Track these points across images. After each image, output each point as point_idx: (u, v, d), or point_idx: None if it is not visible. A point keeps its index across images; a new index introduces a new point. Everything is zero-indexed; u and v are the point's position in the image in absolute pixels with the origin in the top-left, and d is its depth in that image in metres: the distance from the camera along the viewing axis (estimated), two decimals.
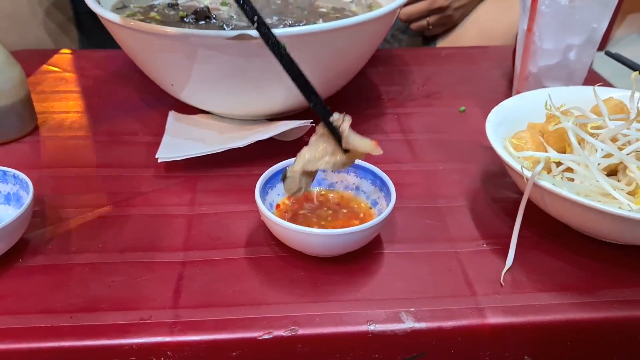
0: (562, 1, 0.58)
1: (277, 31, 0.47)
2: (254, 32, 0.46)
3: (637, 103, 0.46)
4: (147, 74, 0.58)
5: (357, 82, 0.62)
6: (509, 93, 0.68)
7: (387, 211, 0.41)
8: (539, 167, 0.41)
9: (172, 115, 0.59)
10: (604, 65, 0.86)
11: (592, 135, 0.45)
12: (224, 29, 0.57)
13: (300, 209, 0.45)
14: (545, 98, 0.50)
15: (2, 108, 0.53)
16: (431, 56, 0.78)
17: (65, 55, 0.75)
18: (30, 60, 0.70)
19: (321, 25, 0.49)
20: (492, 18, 0.84)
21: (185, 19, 0.58)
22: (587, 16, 0.58)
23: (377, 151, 0.38)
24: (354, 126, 0.39)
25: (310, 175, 0.41)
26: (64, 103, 0.63)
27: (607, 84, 0.70)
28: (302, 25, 0.57)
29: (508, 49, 0.76)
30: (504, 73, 0.73)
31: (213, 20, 0.58)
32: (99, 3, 0.56)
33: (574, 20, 0.59)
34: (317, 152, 0.39)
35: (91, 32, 0.86)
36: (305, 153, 0.40)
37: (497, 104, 0.52)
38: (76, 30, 0.83)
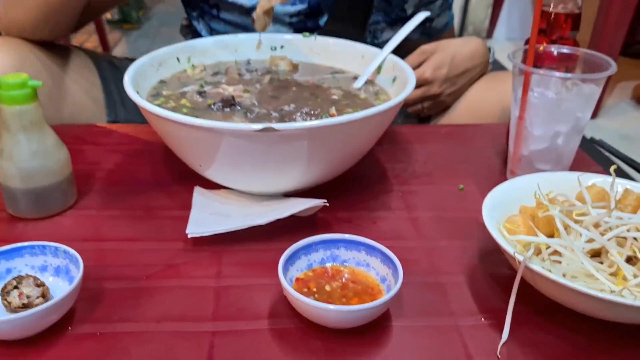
0: (549, 94, 0.66)
1: (298, 125, 0.54)
2: (276, 125, 0.53)
3: (615, 194, 0.52)
4: (176, 154, 0.64)
5: (365, 159, 0.68)
6: (503, 171, 0.74)
7: (395, 289, 0.46)
8: (530, 252, 0.47)
9: (197, 191, 0.65)
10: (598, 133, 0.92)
11: (576, 221, 0.50)
12: (247, 116, 0.64)
13: (318, 284, 0.50)
14: (536, 182, 0.57)
15: (50, 186, 0.60)
16: (432, 134, 0.85)
17: (96, 130, 0.82)
18: (64, 135, 0.76)
19: (339, 119, 0.55)
20: (482, 97, 0.92)
21: (212, 107, 0.65)
22: (572, 107, 0.65)
23: None
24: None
25: (268, 13, 0.65)
26: (98, 177, 0.70)
27: (593, 163, 0.77)
28: (317, 112, 0.65)
29: (501, 127, 0.82)
30: (498, 152, 0.79)
31: (237, 107, 0.65)
32: (137, 92, 0.63)
33: (561, 110, 0.66)
34: None
35: (119, 108, 0.93)
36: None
37: (492, 183, 0.58)
38: (105, 105, 0.90)
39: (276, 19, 0.90)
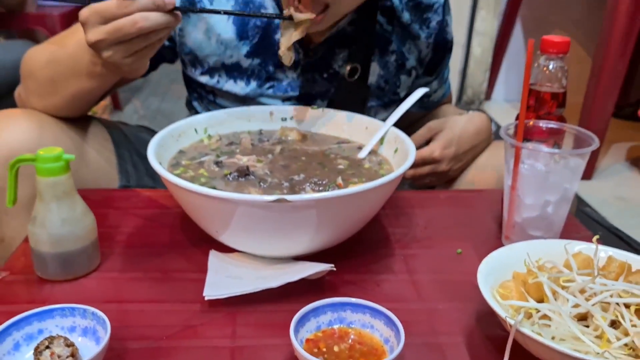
0: (539, 166, 0.71)
1: (308, 197, 0.59)
2: (288, 197, 0.58)
3: (598, 261, 0.56)
4: (193, 219, 0.70)
5: (369, 224, 0.73)
6: (499, 236, 0.79)
7: (397, 351, 0.50)
8: (520, 316, 0.51)
9: (212, 254, 0.70)
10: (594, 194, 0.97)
11: (563, 287, 0.55)
12: (260, 185, 0.70)
13: (327, 344, 0.54)
14: (528, 249, 0.61)
15: (77, 250, 0.64)
16: (432, 199, 0.90)
17: (116, 194, 0.88)
18: (86, 199, 0.82)
19: (345, 191, 0.61)
20: (483, 164, 0.97)
21: (228, 177, 0.71)
22: (560, 179, 0.71)
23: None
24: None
25: (290, 49, 0.77)
26: (119, 240, 0.74)
27: (583, 229, 0.81)
28: (325, 182, 0.70)
29: (497, 193, 0.88)
30: (494, 217, 0.84)
31: (251, 177, 0.71)
32: (159, 163, 0.69)
33: (549, 181, 0.71)
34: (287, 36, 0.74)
35: (131, 172, 0.99)
36: (282, 39, 0.76)
37: (489, 246, 0.62)
38: (118, 170, 0.96)
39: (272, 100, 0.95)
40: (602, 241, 0.63)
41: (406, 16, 0.95)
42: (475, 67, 2.29)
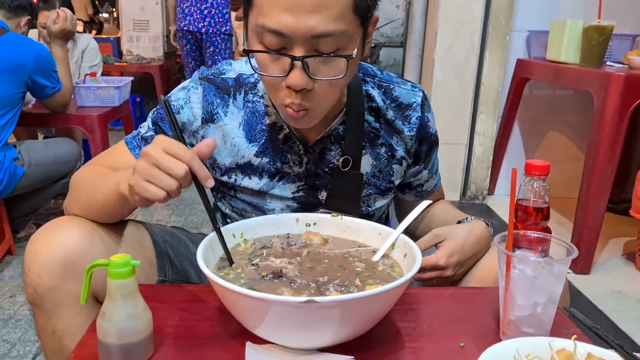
0: (527, 272, 0.84)
1: (333, 298, 0.72)
2: (316, 298, 0.71)
3: (576, 357, 0.68)
4: (232, 314, 0.82)
5: (383, 320, 0.85)
6: (497, 331, 0.90)
7: None
8: None
9: (249, 346, 0.81)
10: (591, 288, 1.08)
11: None
12: (291, 286, 0.82)
13: None
14: (519, 346, 0.73)
15: (137, 342, 0.76)
16: (437, 296, 1.02)
17: (164, 289, 1.00)
18: None
19: (363, 293, 0.73)
20: (485, 267, 1.09)
21: (265, 278, 0.84)
22: (546, 282, 0.83)
23: None
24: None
25: None
26: (167, 332, 0.86)
27: (572, 326, 0.92)
28: (345, 284, 0.83)
29: (495, 291, 0.99)
30: (493, 313, 0.95)
31: (284, 278, 0.84)
32: (207, 266, 0.82)
33: (537, 285, 0.83)
34: None
35: (168, 268, 1.12)
36: None
37: (488, 341, 0.73)
38: (157, 266, 1.09)
39: (282, 197, 1.11)
40: (589, 337, 0.74)
41: (390, 114, 1.11)
42: (478, 165, 2.46)
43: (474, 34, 2.34)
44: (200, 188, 0.87)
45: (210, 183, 0.84)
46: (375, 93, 1.11)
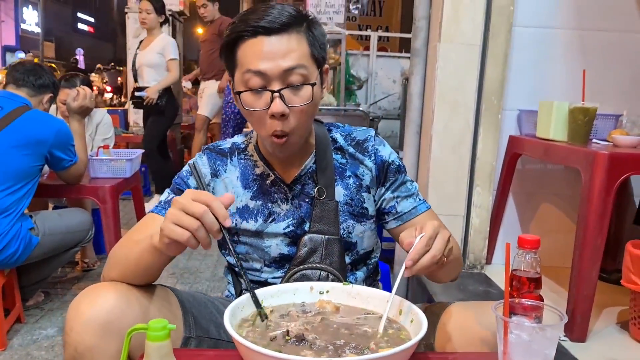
0: (523, 336, 0.92)
1: (352, 359, 0.80)
2: (336, 359, 0.79)
3: None
4: None
5: None
6: None
7: None
8: None
9: None
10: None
11: None
12: (312, 348, 0.91)
13: None
14: None
15: None
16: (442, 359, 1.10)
17: (188, 353, 1.08)
18: None
19: (376, 355, 0.82)
20: (483, 326, 1.17)
21: (289, 341, 0.92)
22: (540, 346, 0.92)
23: None
24: None
25: None
26: None
27: None
28: (360, 347, 0.91)
29: (496, 355, 1.07)
30: None
31: (305, 342, 0.93)
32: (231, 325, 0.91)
33: (533, 348, 0.92)
34: None
35: (193, 326, 1.21)
36: None
37: None
38: (183, 323, 1.18)
39: (276, 234, 1.29)
40: None
41: (351, 150, 1.35)
42: (475, 235, 2.56)
43: (468, 113, 2.50)
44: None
45: (228, 222, 0.97)
46: (338, 137, 1.37)
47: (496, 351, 1.03)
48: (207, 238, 0.97)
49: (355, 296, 1.12)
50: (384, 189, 1.35)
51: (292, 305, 1.10)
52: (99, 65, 10.45)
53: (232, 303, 1.01)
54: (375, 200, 1.35)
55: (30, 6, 16.30)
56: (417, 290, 2.55)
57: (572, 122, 2.19)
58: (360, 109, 5.45)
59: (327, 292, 1.13)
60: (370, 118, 5.31)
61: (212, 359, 1.05)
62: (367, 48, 7.08)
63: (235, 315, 1.00)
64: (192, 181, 1.29)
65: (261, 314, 1.03)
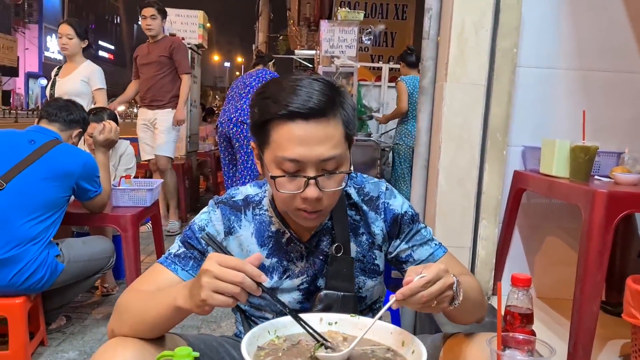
0: None
1: None
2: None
3: None
4: None
5: None
6: None
7: None
8: None
9: None
10: None
11: None
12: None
13: None
14: None
15: None
16: None
17: None
18: None
19: None
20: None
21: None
22: None
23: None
24: None
25: None
26: None
27: None
28: None
29: None
30: None
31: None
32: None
33: None
34: None
35: None
36: None
37: None
38: None
39: (290, 289, 1.33)
40: None
41: (364, 207, 1.37)
42: (482, 267, 2.64)
43: (474, 149, 2.60)
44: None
45: (264, 279, 1.04)
46: (352, 192, 1.38)
47: None
48: (246, 297, 1.05)
49: (362, 328, 1.21)
50: (398, 241, 1.38)
51: (303, 334, 1.19)
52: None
53: (249, 333, 1.11)
54: (389, 252, 1.39)
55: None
56: (425, 321, 2.63)
57: (574, 160, 2.28)
58: (372, 138, 5.58)
59: (336, 323, 1.23)
60: (382, 148, 5.43)
61: None
62: (378, 78, 7.24)
63: (252, 344, 1.10)
64: (209, 249, 1.27)
65: (321, 337, 1.12)
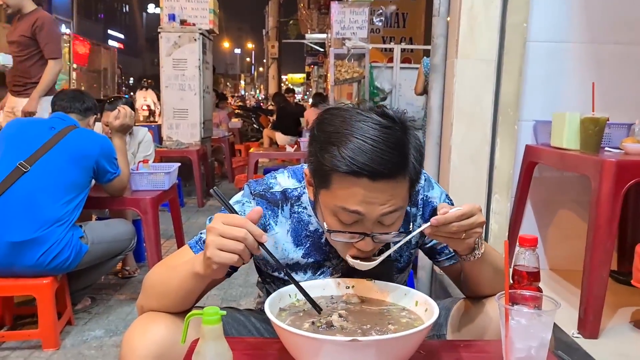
0: (522, 322, 1.07)
1: (372, 338, 0.96)
2: (360, 337, 0.95)
3: None
4: (292, 355, 1.06)
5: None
6: None
7: None
8: None
9: None
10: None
11: None
12: (342, 331, 1.07)
13: None
14: None
15: None
16: (454, 347, 1.24)
17: (233, 340, 1.25)
18: None
19: (393, 335, 0.98)
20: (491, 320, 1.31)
21: (320, 327, 1.09)
22: (537, 330, 1.06)
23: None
24: None
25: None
26: None
27: None
28: (384, 329, 1.07)
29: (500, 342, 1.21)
30: (499, 358, 1.17)
31: (334, 327, 1.09)
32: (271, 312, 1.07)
33: (530, 332, 1.06)
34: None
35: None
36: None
37: None
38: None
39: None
40: None
41: (413, 210, 1.33)
42: (494, 241, 2.69)
43: (485, 125, 2.64)
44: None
45: (264, 239, 1.05)
46: None
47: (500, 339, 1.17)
48: (250, 255, 1.08)
49: (378, 290, 1.28)
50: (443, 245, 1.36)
51: (322, 297, 1.26)
52: (149, 81, 10.38)
53: (270, 296, 1.17)
54: (425, 244, 1.39)
55: (63, 25, 17.00)
56: (439, 292, 2.69)
57: (584, 132, 2.31)
58: None
59: (353, 286, 1.29)
60: None
61: (253, 344, 1.22)
62: (390, 59, 7.23)
63: (275, 305, 1.17)
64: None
65: (315, 305, 1.15)
